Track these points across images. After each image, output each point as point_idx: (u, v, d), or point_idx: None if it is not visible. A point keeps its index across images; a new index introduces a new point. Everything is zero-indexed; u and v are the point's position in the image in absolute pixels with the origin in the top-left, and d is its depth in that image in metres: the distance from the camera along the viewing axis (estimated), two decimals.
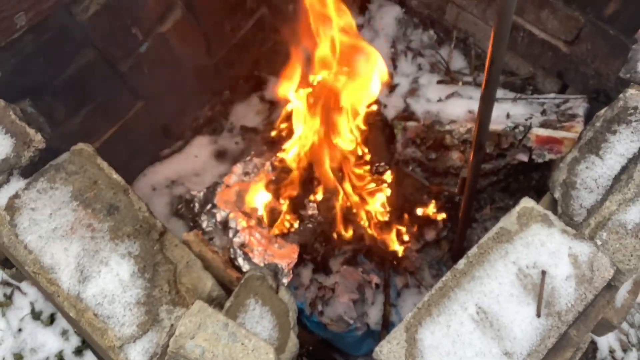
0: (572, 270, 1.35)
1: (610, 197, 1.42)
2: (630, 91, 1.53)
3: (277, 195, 2.24)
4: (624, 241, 1.38)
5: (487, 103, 1.47)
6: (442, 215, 2.39)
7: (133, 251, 1.38)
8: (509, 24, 1.22)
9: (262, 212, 2.22)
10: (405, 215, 2.39)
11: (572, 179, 1.48)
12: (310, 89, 2.19)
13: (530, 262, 1.36)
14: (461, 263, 1.37)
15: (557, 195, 1.48)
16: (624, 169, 1.45)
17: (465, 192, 1.90)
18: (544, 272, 1.34)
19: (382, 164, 2.32)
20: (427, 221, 2.42)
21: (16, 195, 1.42)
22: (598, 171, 1.47)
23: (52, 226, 1.39)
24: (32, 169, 1.47)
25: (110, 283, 1.34)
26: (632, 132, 1.48)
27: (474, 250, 1.38)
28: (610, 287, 1.43)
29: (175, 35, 2.14)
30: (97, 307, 1.32)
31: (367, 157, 2.28)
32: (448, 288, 1.34)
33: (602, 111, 1.54)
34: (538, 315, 1.30)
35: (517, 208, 1.43)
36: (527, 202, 1.44)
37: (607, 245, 1.38)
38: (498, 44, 1.27)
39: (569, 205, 1.46)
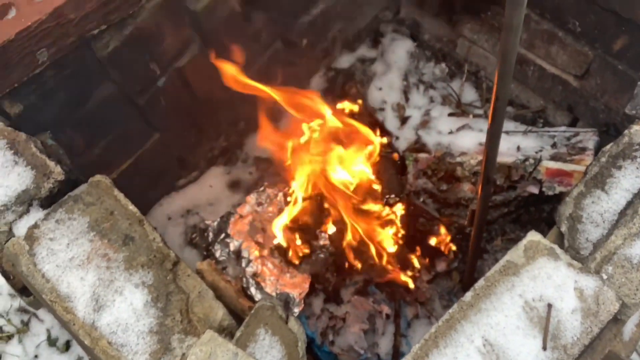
0: (578, 304, 1.36)
1: (615, 231, 1.44)
2: (635, 127, 1.56)
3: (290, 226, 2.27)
4: (630, 275, 1.40)
5: (493, 138, 1.50)
6: (452, 247, 2.41)
7: (147, 281, 1.42)
8: (512, 62, 1.26)
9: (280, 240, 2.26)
10: (417, 247, 2.41)
11: (579, 213, 1.50)
12: (321, 121, 2.25)
13: (537, 295, 1.38)
14: (468, 295, 1.39)
15: (563, 229, 1.50)
16: (629, 204, 1.47)
17: (475, 224, 1.93)
18: (550, 305, 1.35)
19: (393, 195, 2.35)
20: (438, 252, 2.44)
21: (35, 226, 1.47)
22: (604, 206, 1.49)
23: (69, 256, 1.43)
24: (51, 200, 1.52)
25: (125, 312, 1.38)
26: (637, 168, 1.50)
27: (480, 282, 1.41)
28: (617, 320, 1.44)
29: (192, 70, 2.20)
30: (111, 336, 1.36)
31: (378, 189, 2.31)
32: (455, 320, 1.36)
33: (608, 147, 1.56)
34: (544, 348, 1.32)
35: (524, 241, 1.46)
36: (533, 236, 1.46)
37: (612, 279, 1.40)
38: (502, 81, 1.30)
39: (575, 239, 1.48)
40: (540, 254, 1.43)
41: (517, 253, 1.44)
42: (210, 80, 2.31)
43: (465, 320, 1.36)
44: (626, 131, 1.56)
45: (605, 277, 1.40)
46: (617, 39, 2.19)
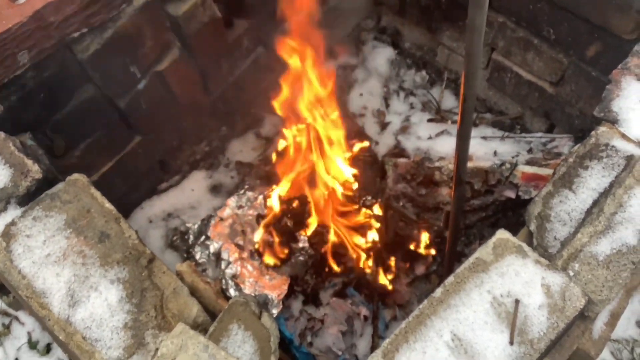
0: (544, 300, 1.39)
1: (582, 229, 1.47)
2: (602, 129, 1.60)
3: (268, 229, 2.29)
4: (596, 272, 1.43)
5: (463, 140, 1.53)
6: (431, 250, 2.44)
7: (122, 277, 1.43)
8: (477, 61, 1.29)
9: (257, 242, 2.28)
10: (396, 250, 2.43)
11: (547, 212, 1.53)
12: (302, 125, 2.28)
13: (505, 291, 1.41)
14: (438, 291, 1.42)
15: (532, 227, 1.53)
16: (595, 203, 1.50)
17: (450, 226, 1.96)
18: (517, 301, 1.38)
19: (369, 197, 2.38)
20: (417, 256, 2.47)
21: (12, 223, 1.49)
22: (571, 205, 1.52)
23: (46, 252, 1.45)
24: (29, 198, 1.54)
25: (99, 307, 1.40)
26: (603, 168, 1.54)
27: (450, 279, 1.43)
28: (585, 317, 1.47)
29: (172, 73, 2.23)
30: (85, 331, 1.37)
31: (356, 192, 2.34)
32: (425, 316, 1.39)
33: (575, 147, 1.60)
34: (511, 342, 1.34)
35: (493, 239, 1.49)
36: (502, 234, 1.49)
37: (579, 276, 1.43)
38: (469, 82, 1.34)
39: (543, 237, 1.51)
40: (508, 251, 1.46)
41: (486, 250, 1.47)
42: (191, 84, 2.34)
43: (434, 315, 1.38)
44: (593, 132, 1.60)
45: (571, 273, 1.43)
46: (590, 45, 2.24)
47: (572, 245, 1.46)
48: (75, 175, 1.58)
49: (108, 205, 1.54)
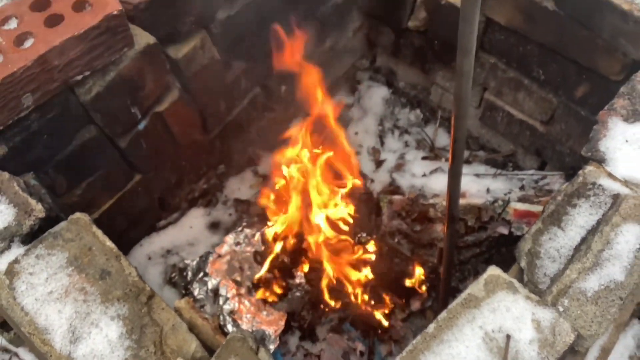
0: (535, 335, 1.43)
1: (571, 266, 1.51)
2: (589, 168, 1.65)
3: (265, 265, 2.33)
4: (585, 308, 1.46)
5: (454, 177, 1.58)
6: (425, 286, 2.47)
7: (122, 313, 1.47)
8: (466, 104, 1.35)
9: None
10: (391, 286, 2.46)
11: (537, 249, 1.57)
12: (299, 165, 2.33)
13: (496, 326, 1.44)
14: (431, 327, 1.45)
15: (523, 264, 1.58)
16: (583, 240, 1.54)
17: (443, 261, 1.99)
18: (508, 336, 1.41)
19: (364, 234, 2.42)
20: (413, 291, 2.50)
21: (16, 261, 1.53)
22: (560, 242, 1.56)
23: (48, 289, 1.49)
24: (32, 237, 1.58)
25: (100, 344, 1.43)
26: (590, 206, 1.59)
27: (443, 314, 1.47)
28: (575, 352, 1.50)
29: (172, 114, 2.28)
30: None
31: (352, 229, 2.38)
32: (418, 351, 1.42)
33: (564, 186, 1.65)
34: None
35: (485, 275, 1.52)
36: (493, 270, 1.53)
37: (568, 311, 1.47)
38: (459, 123, 1.39)
39: (534, 273, 1.55)
40: (499, 287, 1.50)
41: (478, 287, 1.50)
42: (190, 123, 2.39)
43: (427, 350, 1.41)
44: (580, 171, 1.65)
45: (561, 309, 1.46)
46: (579, 86, 2.31)
47: (562, 281, 1.50)
48: (78, 214, 1.62)
49: (109, 243, 1.58)
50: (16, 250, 1.56)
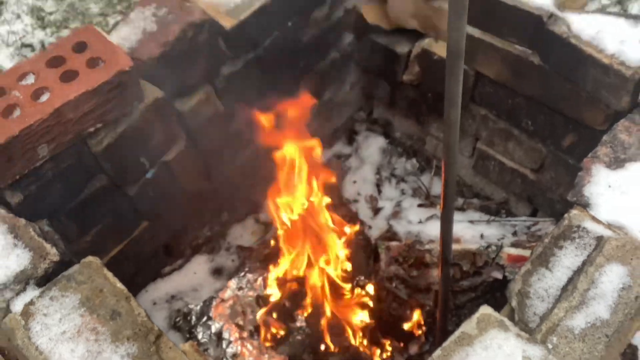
0: None
1: (558, 305, 1.58)
2: (574, 212, 1.74)
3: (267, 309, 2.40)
4: (572, 345, 1.53)
5: (446, 222, 1.67)
6: (422, 330, 2.53)
7: (132, 352, 1.54)
8: (455, 153, 1.45)
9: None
10: (390, 330, 2.52)
11: (526, 289, 1.65)
12: (298, 212, 2.42)
13: None
14: None
15: (514, 304, 1.65)
16: (570, 280, 1.62)
17: (439, 305, 2.07)
18: None
19: (362, 278, 2.49)
20: (411, 335, 2.56)
21: (31, 302, 1.61)
22: (548, 282, 1.64)
23: (61, 330, 1.56)
24: (46, 279, 1.67)
25: None
26: (576, 248, 1.67)
27: (437, 352, 1.53)
28: None
29: (178, 163, 2.37)
30: None
31: (350, 274, 2.45)
32: None
33: (551, 229, 1.74)
34: None
35: (477, 314, 1.60)
36: (485, 310, 1.61)
37: (557, 348, 1.53)
38: (449, 170, 1.49)
39: (524, 312, 1.63)
40: (491, 325, 1.57)
41: (471, 325, 1.58)
42: (195, 172, 2.48)
43: None
44: (566, 215, 1.74)
45: (550, 346, 1.53)
46: (566, 136, 2.40)
47: (550, 319, 1.57)
48: (90, 258, 1.71)
49: (119, 285, 1.66)
50: (31, 293, 1.64)
